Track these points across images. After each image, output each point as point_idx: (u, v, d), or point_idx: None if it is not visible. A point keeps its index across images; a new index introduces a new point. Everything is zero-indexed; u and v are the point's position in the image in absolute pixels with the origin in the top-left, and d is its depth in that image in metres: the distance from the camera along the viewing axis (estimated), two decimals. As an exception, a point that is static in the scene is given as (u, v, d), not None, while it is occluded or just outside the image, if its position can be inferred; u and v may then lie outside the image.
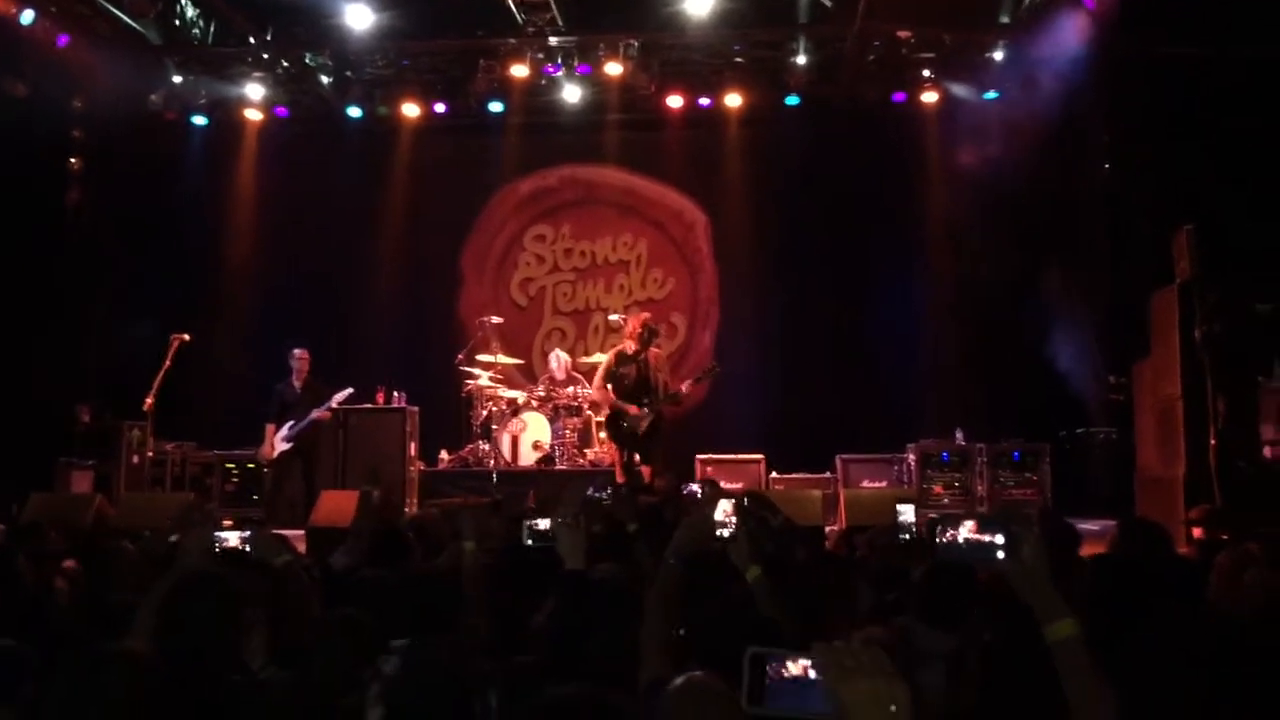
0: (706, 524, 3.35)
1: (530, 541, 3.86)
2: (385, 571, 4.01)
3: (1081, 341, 12.28)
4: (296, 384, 11.10)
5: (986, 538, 2.32)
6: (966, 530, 2.34)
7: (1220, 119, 10.66)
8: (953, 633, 2.71)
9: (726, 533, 3.37)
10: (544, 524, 3.83)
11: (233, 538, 3.78)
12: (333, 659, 2.97)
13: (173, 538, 5.83)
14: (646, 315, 10.61)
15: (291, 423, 10.96)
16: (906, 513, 4.50)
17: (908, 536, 4.38)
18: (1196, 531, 6.83)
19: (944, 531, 2.37)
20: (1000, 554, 2.31)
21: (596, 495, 5.06)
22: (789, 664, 1.72)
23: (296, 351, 11.14)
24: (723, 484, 9.99)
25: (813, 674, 1.68)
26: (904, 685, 1.60)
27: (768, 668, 1.72)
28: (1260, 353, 8.59)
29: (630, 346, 10.16)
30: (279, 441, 10.96)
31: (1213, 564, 3.72)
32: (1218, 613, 3.12)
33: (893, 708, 1.58)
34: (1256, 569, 3.44)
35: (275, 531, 4.44)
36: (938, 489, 11.81)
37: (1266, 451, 8.61)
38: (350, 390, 11.11)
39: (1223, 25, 10.49)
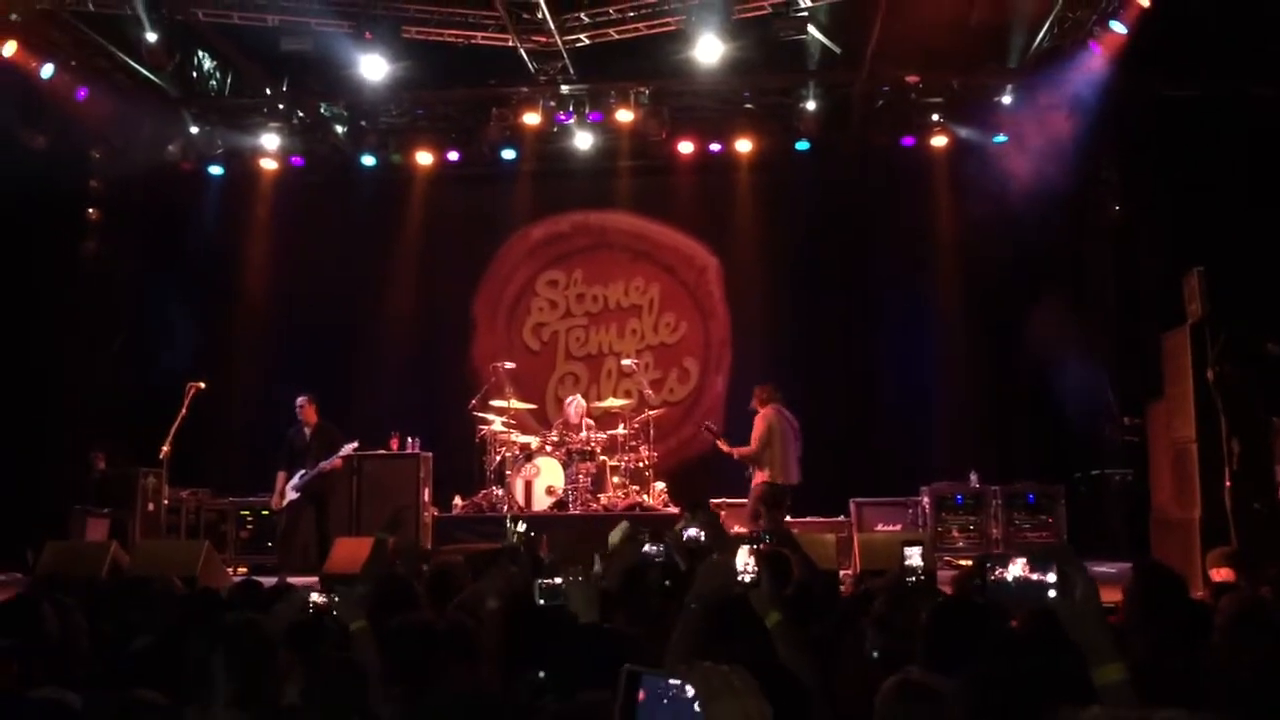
0: (728, 569, 3.34)
1: (543, 601, 3.83)
2: (392, 621, 4.00)
3: (1095, 383, 12.26)
4: (306, 430, 11.14)
5: (1036, 577, 2.30)
6: (1017, 569, 2.33)
7: (1230, 159, 10.68)
8: (954, 675, 2.70)
9: (748, 578, 3.36)
10: (558, 581, 3.80)
11: (319, 598, 3.78)
12: (333, 701, 2.99)
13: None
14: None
15: (302, 471, 10.98)
16: (914, 555, 4.47)
17: (913, 580, 4.35)
18: (1215, 574, 6.77)
19: (993, 570, 2.35)
20: (1051, 593, 2.28)
21: (653, 549, 5.00)
22: (662, 681, 1.73)
23: (300, 400, 11.19)
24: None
25: (687, 693, 1.70)
26: (767, 705, 1.68)
27: (641, 687, 1.74)
28: (1273, 393, 8.55)
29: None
30: (289, 490, 10.98)
31: (1218, 609, 3.70)
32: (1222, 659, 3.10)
33: None
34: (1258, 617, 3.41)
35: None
36: (953, 532, 11.76)
37: (1281, 493, 8.54)
38: (355, 444, 11.14)
39: (1232, 66, 10.56)
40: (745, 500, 11.69)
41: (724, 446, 10.95)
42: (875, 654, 3.74)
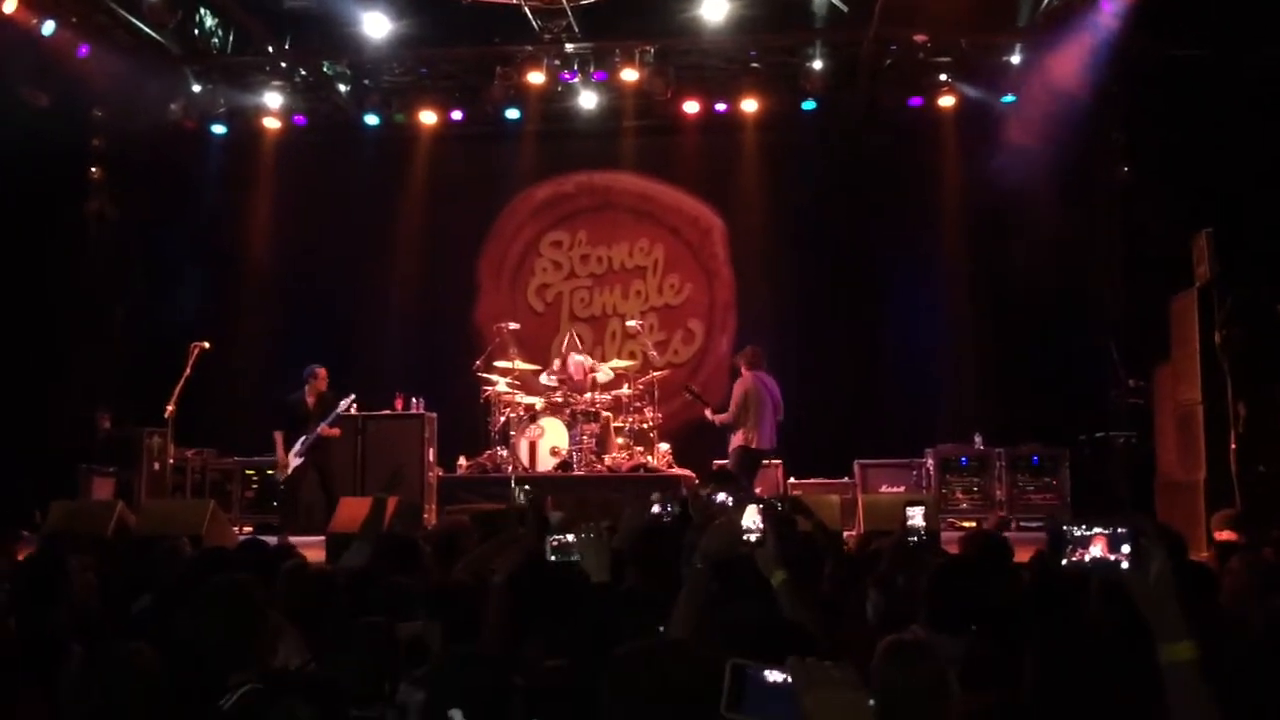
0: (734, 528, 3.35)
1: (554, 557, 3.82)
2: (404, 579, 4.01)
3: (1101, 345, 12.22)
4: (310, 399, 11.05)
5: (1114, 557, 2.25)
6: (1097, 550, 2.26)
7: (1239, 120, 10.58)
8: (959, 638, 2.70)
9: (754, 537, 3.36)
10: (569, 538, 3.80)
11: None
12: (358, 660, 3.00)
13: None
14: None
15: (304, 437, 10.91)
16: (916, 516, 4.48)
17: (915, 540, 4.35)
18: (1219, 536, 6.78)
19: (1073, 551, 2.29)
20: (1124, 564, 2.23)
21: (664, 508, 4.98)
22: (767, 675, 1.79)
23: (317, 369, 11.05)
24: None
25: (790, 686, 1.77)
26: (867, 697, 1.75)
27: (748, 678, 1.78)
28: (1280, 357, 8.53)
29: None
30: (292, 458, 10.89)
31: (1226, 569, 3.70)
32: (1230, 619, 3.10)
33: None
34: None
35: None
36: (957, 494, 11.79)
37: (1288, 455, 8.54)
38: (352, 397, 11.04)
39: (1241, 26, 10.43)
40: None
41: (706, 413, 11.28)
42: (876, 614, 3.75)
